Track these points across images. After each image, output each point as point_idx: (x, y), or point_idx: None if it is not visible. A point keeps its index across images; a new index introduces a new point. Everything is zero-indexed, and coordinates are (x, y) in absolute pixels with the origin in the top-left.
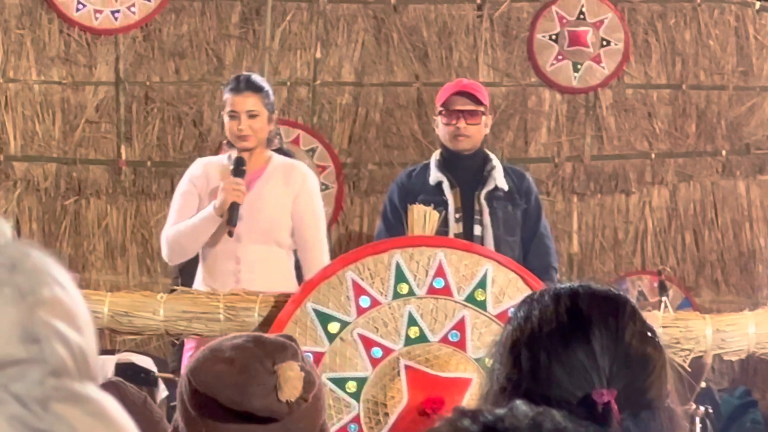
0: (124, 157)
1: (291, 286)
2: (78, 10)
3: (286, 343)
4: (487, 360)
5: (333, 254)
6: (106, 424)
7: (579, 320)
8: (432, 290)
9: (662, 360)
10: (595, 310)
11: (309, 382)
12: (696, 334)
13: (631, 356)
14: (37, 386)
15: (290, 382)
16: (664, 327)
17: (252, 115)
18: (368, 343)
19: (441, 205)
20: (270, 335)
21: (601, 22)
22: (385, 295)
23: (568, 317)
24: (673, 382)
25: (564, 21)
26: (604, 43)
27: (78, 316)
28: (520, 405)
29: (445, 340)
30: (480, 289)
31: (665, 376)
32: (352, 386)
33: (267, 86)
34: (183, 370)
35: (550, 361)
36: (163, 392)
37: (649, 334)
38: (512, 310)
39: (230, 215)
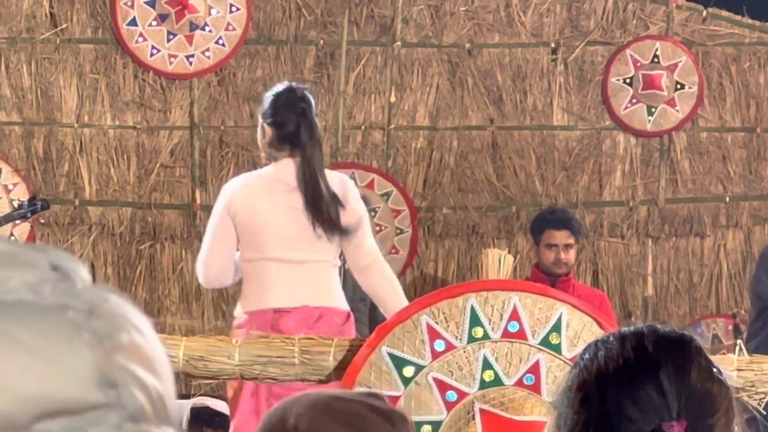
0: (198, 201)
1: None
2: (152, 55)
3: (405, 416)
4: (552, 407)
5: (408, 298)
6: None
7: (646, 357)
8: (507, 334)
9: (728, 398)
10: (662, 348)
11: None
12: None
13: (698, 393)
14: (115, 431)
15: None
16: (738, 370)
17: None
18: (443, 387)
19: None
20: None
21: (675, 65)
22: (460, 339)
23: (635, 355)
24: (741, 422)
25: (638, 64)
26: (679, 86)
27: (156, 361)
28: None
29: (519, 383)
30: (554, 333)
31: (732, 415)
32: (427, 430)
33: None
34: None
35: (620, 397)
36: None
37: (714, 372)
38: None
39: None
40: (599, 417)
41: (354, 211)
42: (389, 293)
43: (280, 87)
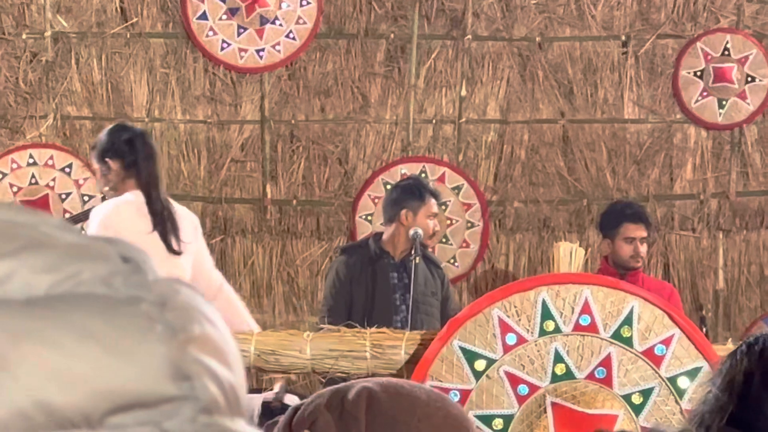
0: (269, 195)
1: None
2: (223, 49)
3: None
4: (699, 385)
5: (478, 291)
6: None
7: None
8: (578, 327)
9: None
10: None
11: None
12: None
13: None
14: (189, 423)
15: None
16: None
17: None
18: (514, 381)
19: None
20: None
21: (746, 58)
22: (532, 333)
23: None
24: None
25: (709, 57)
26: (749, 79)
27: (228, 353)
28: None
29: (591, 376)
30: (626, 326)
31: None
32: (498, 423)
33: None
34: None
35: (761, 392)
36: None
37: None
38: (661, 347)
39: None
40: (738, 406)
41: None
42: (235, 318)
43: (113, 126)
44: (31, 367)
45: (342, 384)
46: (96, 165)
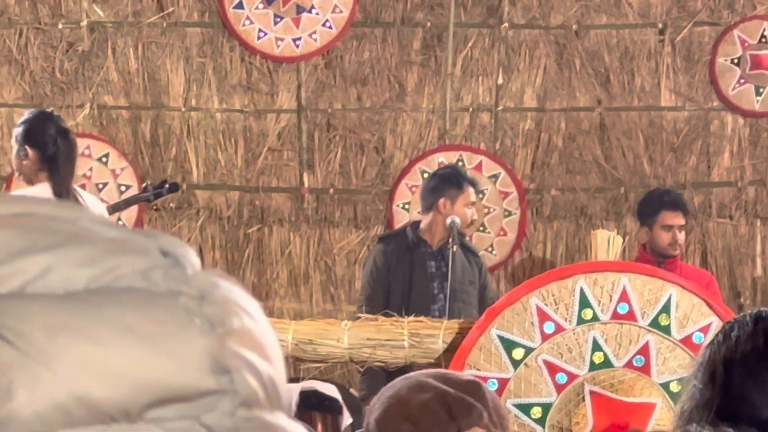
0: (306, 184)
1: None
2: (259, 38)
3: (472, 406)
4: (682, 380)
5: (516, 280)
6: None
7: None
8: (616, 315)
9: None
10: None
11: None
12: None
13: None
14: (228, 417)
15: None
16: None
17: None
18: (553, 369)
19: None
20: (459, 377)
21: None
22: (570, 321)
23: (765, 340)
24: None
25: (746, 45)
26: None
27: (267, 346)
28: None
29: (629, 365)
30: (664, 314)
31: None
32: (537, 412)
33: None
34: (369, 414)
35: (744, 380)
36: (347, 419)
37: None
38: (699, 335)
39: None
40: (723, 397)
41: None
42: None
43: (34, 112)
44: (70, 361)
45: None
46: (14, 146)
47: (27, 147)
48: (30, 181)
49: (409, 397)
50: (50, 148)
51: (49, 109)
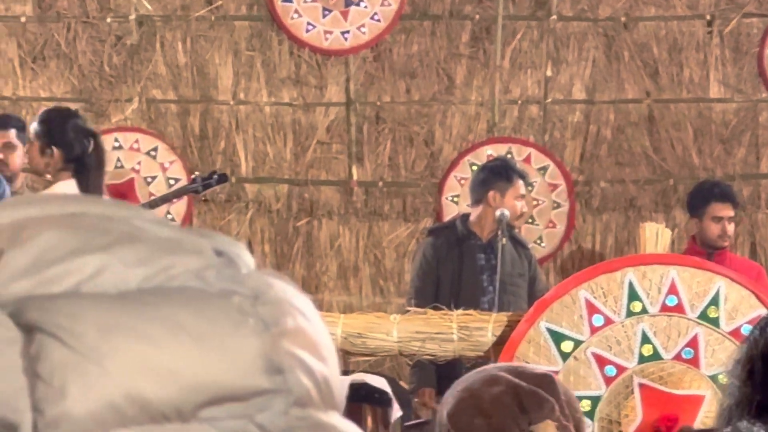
0: (355, 177)
1: None
2: (308, 31)
3: (544, 400)
4: (723, 376)
5: (565, 272)
6: None
7: None
8: (665, 308)
9: None
10: None
11: None
12: None
13: None
14: (282, 417)
15: None
16: None
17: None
18: (602, 362)
19: None
20: (532, 370)
21: None
22: (618, 313)
23: None
24: None
25: None
26: None
27: (321, 346)
28: (741, 425)
29: (678, 357)
30: (713, 306)
31: None
32: (586, 405)
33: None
34: (441, 407)
35: None
36: (397, 412)
37: None
38: (747, 327)
39: None
40: (762, 393)
41: None
42: None
43: (58, 110)
44: (123, 361)
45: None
46: (35, 143)
47: (53, 148)
48: (53, 179)
49: (482, 390)
50: (76, 149)
51: (74, 111)
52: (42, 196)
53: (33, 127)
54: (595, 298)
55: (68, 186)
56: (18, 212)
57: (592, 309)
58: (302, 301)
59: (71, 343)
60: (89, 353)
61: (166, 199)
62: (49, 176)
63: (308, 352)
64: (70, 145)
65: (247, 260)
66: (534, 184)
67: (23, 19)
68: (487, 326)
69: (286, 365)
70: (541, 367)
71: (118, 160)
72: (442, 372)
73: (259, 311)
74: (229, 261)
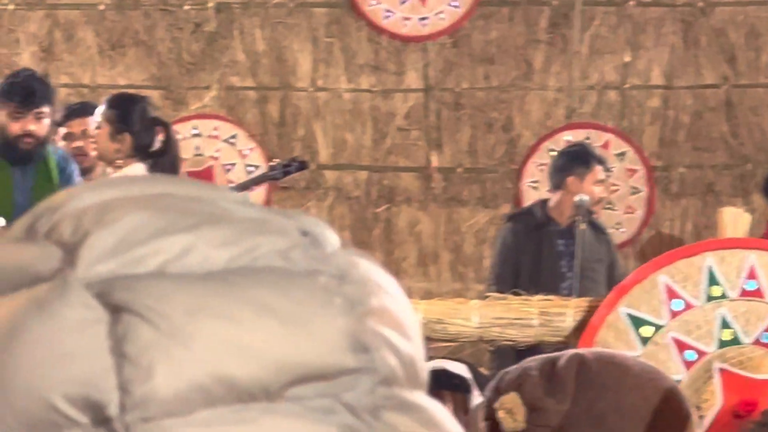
0: (434, 163)
1: None
2: (386, 17)
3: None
4: None
5: (644, 257)
6: None
7: None
8: (744, 293)
9: None
10: None
11: None
12: None
13: None
14: (368, 395)
15: None
16: None
17: None
18: (681, 347)
19: None
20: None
21: None
22: (698, 298)
23: None
24: None
25: None
26: None
27: (406, 325)
28: None
29: (758, 342)
30: None
31: None
32: None
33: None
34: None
35: None
36: (477, 399)
37: None
38: None
39: None
40: None
41: None
42: None
43: (131, 96)
44: (209, 341)
45: (554, 353)
46: (105, 128)
47: (123, 132)
48: (113, 163)
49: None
50: (146, 136)
51: (145, 98)
52: (126, 177)
53: (102, 111)
54: (674, 282)
55: (138, 171)
56: (103, 194)
57: (671, 294)
58: (387, 280)
59: (158, 323)
60: (176, 333)
61: (245, 186)
62: (119, 162)
63: (394, 331)
64: (141, 132)
65: (332, 240)
66: (612, 169)
67: (101, 7)
68: (567, 311)
69: (372, 344)
70: (620, 352)
71: (197, 147)
72: (522, 358)
73: (345, 290)
74: (314, 241)
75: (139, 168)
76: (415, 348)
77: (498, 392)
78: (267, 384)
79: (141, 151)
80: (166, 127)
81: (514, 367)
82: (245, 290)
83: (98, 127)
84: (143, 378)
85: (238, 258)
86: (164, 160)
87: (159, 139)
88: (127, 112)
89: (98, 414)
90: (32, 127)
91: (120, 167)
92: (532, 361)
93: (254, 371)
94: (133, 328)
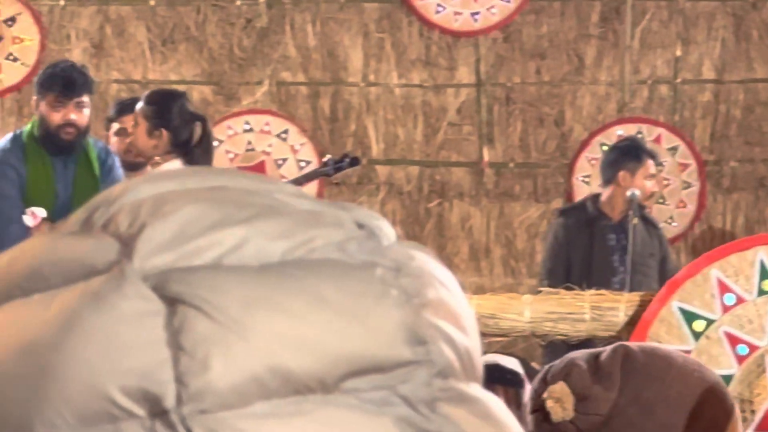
0: (486, 158)
1: None
2: (438, 12)
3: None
4: None
5: (696, 252)
6: (493, 425)
7: None
8: None
9: None
10: None
11: None
12: None
13: None
14: (425, 388)
15: None
16: None
17: None
18: (734, 341)
19: None
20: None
21: None
22: (750, 292)
23: None
24: None
25: None
26: None
27: (462, 317)
28: None
29: None
30: None
31: None
32: None
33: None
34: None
35: None
36: (529, 393)
37: None
38: None
39: None
40: None
41: None
42: None
43: (168, 92)
44: (266, 333)
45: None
46: (142, 124)
47: (161, 128)
48: (156, 161)
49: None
50: (184, 133)
51: (181, 93)
52: (182, 170)
53: (140, 107)
54: (726, 277)
55: (175, 167)
56: (159, 186)
57: (723, 288)
58: (443, 272)
59: (214, 315)
60: (232, 325)
61: (297, 182)
62: (157, 158)
63: (450, 324)
64: (179, 128)
65: (388, 232)
66: (664, 163)
67: (152, 3)
68: (619, 306)
69: (428, 336)
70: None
71: (249, 142)
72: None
73: (402, 283)
74: (370, 233)
75: (176, 164)
76: (471, 340)
77: (545, 384)
78: (323, 376)
79: (179, 147)
80: (203, 122)
81: (560, 360)
82: (301, 282)
83: (136, 124)
84: (199, 370)
85: (294, 250)
86: (199, 155)
87: (196, 135)
88: (165, 108)
89: (155, 406)
90: (73, 116)
91: (158, 163)
92: (577, 354)
93: (310, 363)
94: (189, 320)
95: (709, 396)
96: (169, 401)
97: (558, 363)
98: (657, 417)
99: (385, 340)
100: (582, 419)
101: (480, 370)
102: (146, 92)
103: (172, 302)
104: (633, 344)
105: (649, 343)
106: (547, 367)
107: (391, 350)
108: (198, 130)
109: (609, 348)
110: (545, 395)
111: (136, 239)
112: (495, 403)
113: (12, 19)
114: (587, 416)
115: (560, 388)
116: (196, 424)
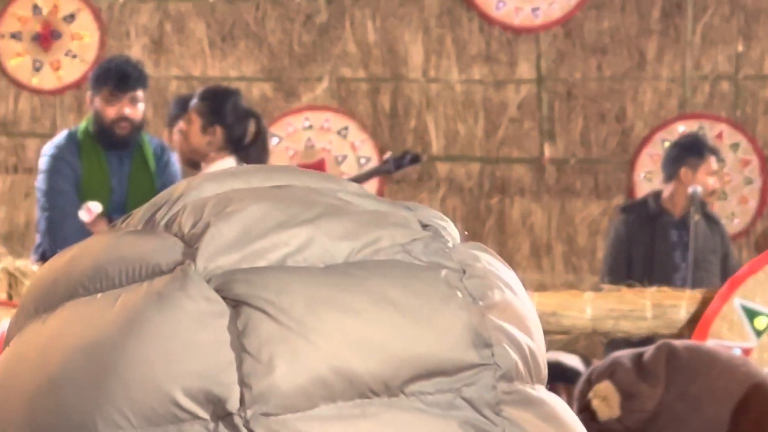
0: (547, 154)
1: None
2: (498, 8)
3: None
4: None
5: (758, 248)
6: (557, 427)
7: None
8: None
9: None
10: None
11: None
12: None
13: None
14: (490, 390)
15: None
16: None
17: None
18: None
19: None
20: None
21: None
22: None
23: None
24: None
25: None
26: None
27: (527, 319)
28: None
29: None
30: None
31: None
32: None
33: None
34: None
35: None
36: None
37: None
38: None
39: None
40: None
41: None
42: None
43: (222, 89)
44: (331, 335)
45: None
46: (196, 121)
47: (215, 125)
48: (206, 157)
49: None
50: (238, 130)
51: (235, 90)
52: (246, 167)
53: (194, 104)
54: None
55: (229, 165)
56: (223, 184)
57: None
58: (508, 274)
59: (278, 317)
60: (297, 327)
61: (358, 179)
62: (211, 156)
63: (515, 326)
64: (233, 125)
65: (453, 233)
66: (726, 159)
67: (212, 0)
68: (681, 303)
69: (493, 339)
70: (711, 343)
71: (309, 139)
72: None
73: (467, 284)
74: (435, 234)
75: (230, 162)
76: (536, 342)
77: (590, 383)
78: (388, 379)
79: (232, 144)
80: (257, 119)
81: (603, 360)
82: (366, 283)
83: (189, 121)
84: (263, 372)
85: (359, 251)
86: (254, 153)
87: (251, 132)
88: (219, 104)
89: (218, 408)
90: (127, 110)
91: (213, 160)
92: (621, 353)
93: (375, 366)
94: (253, 321)
95: (756, 391)
96: (233, 404)
97: (602, 363)
98: (704, 412)
99: (451, 343)
100: (629, 417)
101: (545, 372)
102: (200, 89)
103: (235, 303)
104: (677, 342)
105: (693, 341)
106: (591, 368)
107: (457, 353)
108: (252, 127)
109: (652, 346)
110: (591, 395)
111: (200, 240)
112: (560, 405)
113: (71, 16)
114: (633, 414)
115: (605, 386)
116: (259, 427)
